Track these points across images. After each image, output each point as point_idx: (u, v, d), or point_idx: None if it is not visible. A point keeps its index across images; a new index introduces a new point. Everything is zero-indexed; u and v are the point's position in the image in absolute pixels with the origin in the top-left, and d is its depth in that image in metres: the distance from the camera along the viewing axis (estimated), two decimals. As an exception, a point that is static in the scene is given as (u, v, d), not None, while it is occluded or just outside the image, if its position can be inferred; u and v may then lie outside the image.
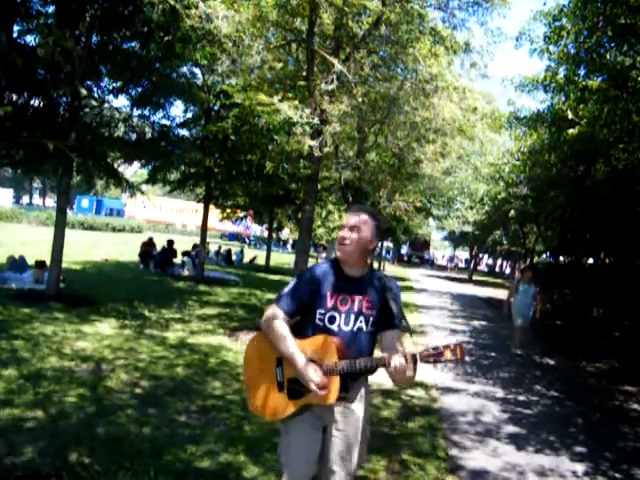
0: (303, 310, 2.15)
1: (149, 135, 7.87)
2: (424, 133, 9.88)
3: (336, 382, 2.04)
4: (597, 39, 7.56)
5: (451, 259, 50.70)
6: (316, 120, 6.66)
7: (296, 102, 6.37)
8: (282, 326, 2.11)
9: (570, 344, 10.95)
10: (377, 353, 2.18)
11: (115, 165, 9.43)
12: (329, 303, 2.11)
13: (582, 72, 8.45)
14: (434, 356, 1.94)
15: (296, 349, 2.06)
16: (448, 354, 1.92)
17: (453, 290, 21.99)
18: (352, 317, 2.11)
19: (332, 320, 2.10)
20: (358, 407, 2.19)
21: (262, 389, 2.18)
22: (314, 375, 2.01)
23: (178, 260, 15.55)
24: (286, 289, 2.19)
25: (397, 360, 1.93)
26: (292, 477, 2.15)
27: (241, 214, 23.75)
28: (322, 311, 2.11)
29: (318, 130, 6.91)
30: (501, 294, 24.42)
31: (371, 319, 2.13)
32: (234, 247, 25.52)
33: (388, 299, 2.13)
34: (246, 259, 22.72)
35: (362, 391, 2.22)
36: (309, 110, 6.53)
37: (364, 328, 2.12)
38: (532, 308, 8.70)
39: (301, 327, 2.16)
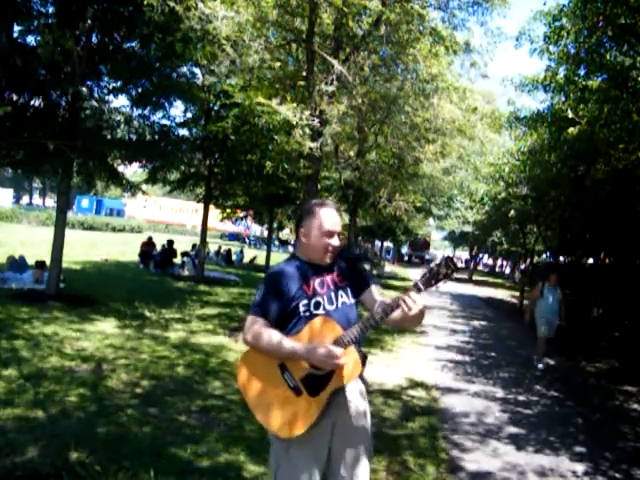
0: (282, 311, 2.07)
1: (149, 136, 7.87)
2: (424, 133, 9.88)
3: (354, 353, 2.01)
4: (597, 39, 7.55)
5: None
6: (316, 122, 6.66)
7: (294, 104, 6.37)
8: (270, 331, 2.01)
9: (570, 344, 10.95)
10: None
11: (115, 165, 9.43)
12: (309, 292, 2.09)
13: (582, 72, 8.44)
14: (432, 277, 1.93)
15: (294, 342, 1.98)
16: (443, 270, 1.93)
17: (453, 290, 21.97)
18: (333, 295, 2.12)
19: (317, 305, 2.08)
20: (362, 403, 2.15)
21: (278, 405, 2.01)
22: (324, 349, 1.91)
23: (178, 260, 15.56)
24: (258, 297, 2.10)
25: (407, 296, 1.89)
26: None
27: (241, 214, 23.74)
28: (305, 302, 2.07)
29: (318, 131, 6.91)
30: (501, 294, 24.44)
31: (349, 290, 2.16)
32: (234, 247, 25.52)
33: (355, 265, 2.23)
34: (246, 259, 22.73)
35: (362, 389, 2.18)
36: (309, 112, 6.53)
37: (347, 301, 2.14)
38: (558, 315, 7.97)
39: (288, 326, 2.07)
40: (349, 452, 2.08)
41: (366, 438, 2.14)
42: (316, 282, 2.11)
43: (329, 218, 2.11)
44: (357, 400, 2.13)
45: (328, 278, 2.14)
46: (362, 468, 2.09)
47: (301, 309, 2.06)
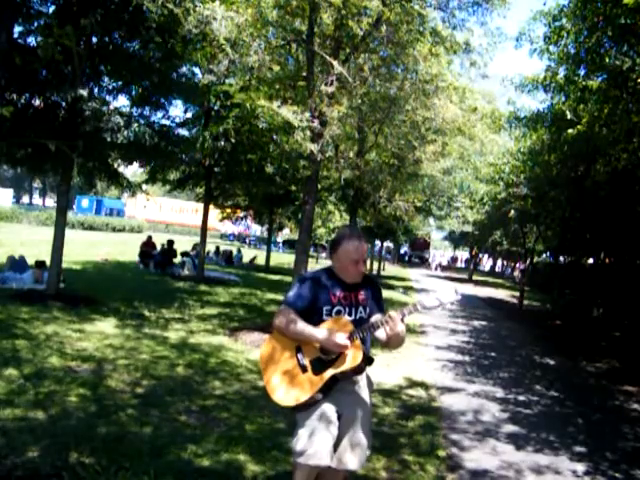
0: (309, 310, 2.47)
1: (149, 137, 7.87)
2: (424, 133, 9.87)
3: (358, 348, 2.40)
4: (597, 39, 7.54)
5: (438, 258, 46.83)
6: (316, 123, 6.65)
7: (295, 107, 6.36)
8: (296, 319, 2.43)
9: (570, 344, 10.96)
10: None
11: (115, 165, 9.42)
12: (334, 300, 2.50)
13: (582, 72, 8.43)
14: (413, 310, 2.42)
15: (313, 329, 2.40)
16: (442, 296, 2.41)
17: (453, 290, 21.94)
18: (354, 309, 2.53)
19: (338, 313, 2.49)
20: (366, 394, 2.56)
21: (285, 378, 2.43)
22: (336, 336, 2.34)
23: (178, 260, 15.56)
24: (292, 292, 2.53)
25: (389, 318, 2.35)
26: (317, 459, 2.32)
27: (241, 214, 23.74)
28: (328, 307, 2.49)
29: (318, 133, 6.91)
30: (501, 294, 24.43)
31: (367, 309, 2.57)
32: (234, 247, 25.52)
33: (375, 292, 2.64)
34: (246, 259, 22.73)
35: (366, 380, 2.58)
36: (309, 113, 6.52)
37: (364, 316, 2.55)
38: None
39: (310, 321, 2.44)
40: (353, 430, 2.45)
41: (368, 423, 2.53)
42: (342, 295, 2.53)
43: (355, 249, 2.50)
44: (364, 391, 2.56)
45: (353, 295, 2.55)
46: (361, 447, 2.46)
47: (324, 312, 2.49)
